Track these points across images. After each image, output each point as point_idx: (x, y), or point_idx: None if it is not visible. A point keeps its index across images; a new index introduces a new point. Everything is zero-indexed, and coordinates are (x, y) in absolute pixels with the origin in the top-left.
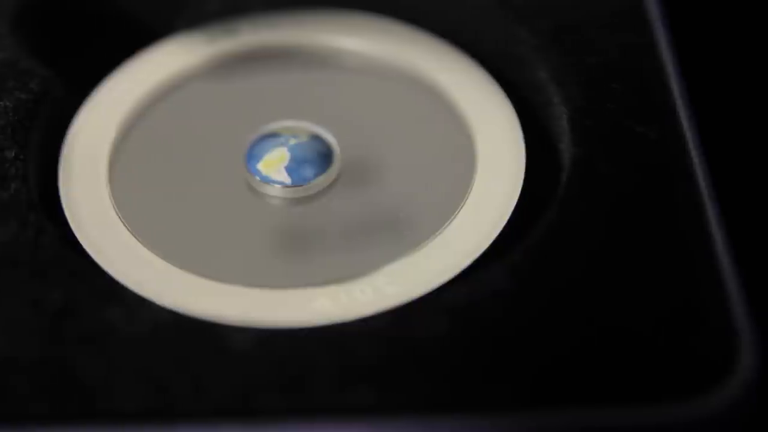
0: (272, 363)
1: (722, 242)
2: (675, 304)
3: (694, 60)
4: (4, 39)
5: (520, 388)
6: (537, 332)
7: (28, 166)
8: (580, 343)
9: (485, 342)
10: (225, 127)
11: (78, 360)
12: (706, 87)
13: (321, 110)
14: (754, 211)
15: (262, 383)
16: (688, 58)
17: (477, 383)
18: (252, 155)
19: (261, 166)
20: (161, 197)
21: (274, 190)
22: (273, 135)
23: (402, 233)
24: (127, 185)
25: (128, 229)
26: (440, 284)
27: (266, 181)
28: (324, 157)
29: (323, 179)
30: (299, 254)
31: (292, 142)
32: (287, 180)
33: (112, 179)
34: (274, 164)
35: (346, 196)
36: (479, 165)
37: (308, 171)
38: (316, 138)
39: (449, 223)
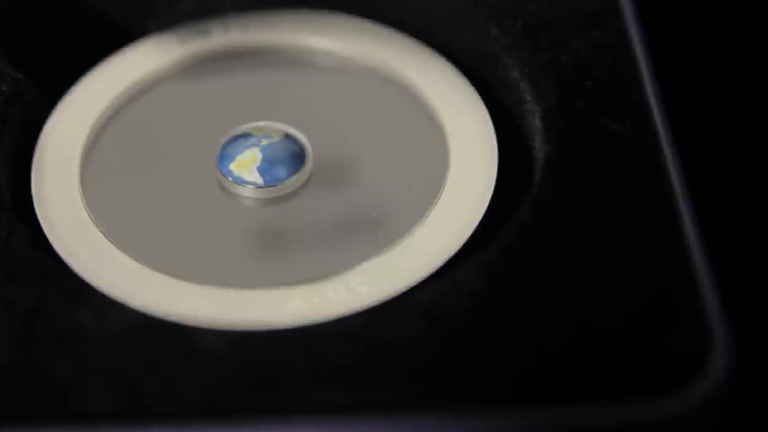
0: (245, 364)
1: (696, 241)
2: (648, 302)
3: (667, 58)
4: None
5: (493, 387)
6: (510, 332)
7: (0, 168)
8: (554, 343)
9: (458, 342)
10: (198, 128)
11: (49, 361)
12: (680, 85)
13: (294, 110)
14: (728, 209)
15: (235, 384)
16: (662, 55)
17: (450, 383)
18: (224, 156)
19: (233, 166)
20: (133, 198)
21: (247, 191)
22: (245, 135)
23: (375, 233)
24: (100, 186)
25: (100, 231)
26: (413, 284)
27: (238, 182)
28: (297, 157)
29: (296, 179)
30: (272, 255)
31: (264, 142)
32: (259, 181)
33: (84, 180)
34: (246, 165)
35: (319, 196)
36: (452, 164)
37: (281, 171)
38: (289, 138)
39: (422, 223)
